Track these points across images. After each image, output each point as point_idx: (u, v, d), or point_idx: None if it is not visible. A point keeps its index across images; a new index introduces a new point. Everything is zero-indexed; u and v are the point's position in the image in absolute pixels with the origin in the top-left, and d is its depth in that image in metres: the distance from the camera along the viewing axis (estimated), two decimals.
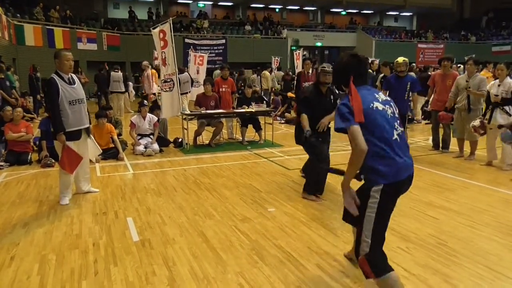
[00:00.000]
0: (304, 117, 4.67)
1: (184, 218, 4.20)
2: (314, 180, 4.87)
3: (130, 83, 14.15)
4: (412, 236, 3.72)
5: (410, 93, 6.97)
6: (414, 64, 15.06)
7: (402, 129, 2.47)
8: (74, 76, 4.69)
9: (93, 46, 20.03)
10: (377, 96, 2.47)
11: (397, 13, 34.36)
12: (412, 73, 9.83)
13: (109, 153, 6.80)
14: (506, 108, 5.91)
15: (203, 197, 4.91)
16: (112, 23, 23.65)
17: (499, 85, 6.03)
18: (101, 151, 6.51)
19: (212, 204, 4.65)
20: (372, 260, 2.33)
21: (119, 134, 7.50)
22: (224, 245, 3.56)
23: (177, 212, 4.40)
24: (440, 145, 7.46)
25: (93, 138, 5.30)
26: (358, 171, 2.37)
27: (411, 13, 34.77)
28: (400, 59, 6.92)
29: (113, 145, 6.90)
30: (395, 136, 2.38)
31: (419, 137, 9.06)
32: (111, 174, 5.99)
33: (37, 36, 17.17)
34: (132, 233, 3.83)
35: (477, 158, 6.69)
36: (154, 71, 13.15)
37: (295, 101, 5.13)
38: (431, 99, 7.75)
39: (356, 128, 2.28)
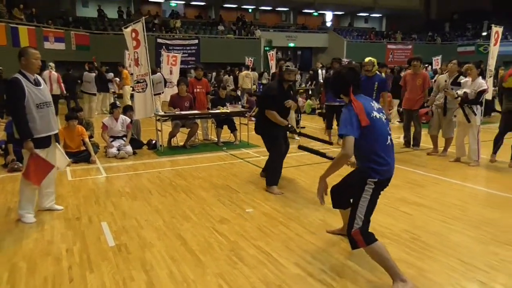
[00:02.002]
0: (275, 113, 4.96)
1: (161, 221, 4.14)
2: (279, 171, 5.18)
3: (115, 79, 13.75)
4: (387, 232, 3.80)
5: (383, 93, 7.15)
6: (398, 66, 15.28)
7: (391, 132, 2.91)
8: (39, 77, 4.20)
9: (61, 46, 19.42)
10: (372, 104, 2.87)
11: (367, 14, 35.05)
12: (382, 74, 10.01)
13: (81, 156, 6.62)
14: (474, 107, 6.12)
15: (180, 199, 4.85)
16: (81, 22, 23.05)
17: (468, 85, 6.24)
18: (70, 160, 6.29)
19: (189, 206, 4.60)
20: (364, 231, 2.78)
21: (91, 137, 7.31)
22: (202, 247, 3.53)
23: (154, 215, 4.33)
24: (411, 142, 7.67)
25: (60, 146, 4.70)
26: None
27: (380, 15, 35.56)
28: (367, 59, 7.13)
29: (85, 148, 6.72)
30: (389, 141, 2.86)
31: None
32: (83, 177, 5.84)
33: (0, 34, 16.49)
34: (107, 238, 3.74)
35: (448, 155, 6.91)
36: (126, 71, 12.91)
37: (259, 97, 5.27)
38: (404, 99, 7.94)
39: (351, 139, 2.69)
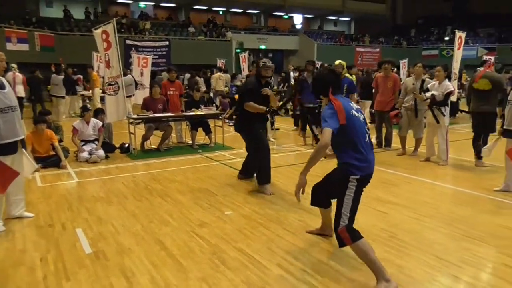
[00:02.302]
0: (253, 103, 5.06)
1: (139, 226, 4.06)
2: (268, 167, 5.19)
3: (79, 76, 13.36)
4: (365, 231, 3.81)
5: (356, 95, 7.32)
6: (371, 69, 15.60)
7: (369, 132, 3.05)
8: (3, 79, 3.96)
9: (25, 47, 18.70)
10: (351, 104, 3.02)
11: (336, 18, 35.71)
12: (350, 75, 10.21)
13: (50, 161, 6.39)
14: (442, 109, 6.35)
15: (157, 203, 4.77)
16: (45, 22, 22.28)
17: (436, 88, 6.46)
18: (38, 166, 6.09)
19: (167, 210, 4.53)
20: (349, 229, 2.87)
21: (60, 141, 7.08)
22: (183, 252, 3.48)
23: (131, 220, 4.23)
24: (383, 143, 7.87)
25: (27, 152, 4.53)
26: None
27: (349, 18, 36.29)
28: (337, 62, 7.35)
29: (54, 153, 6.50)
30: (367, 139, 3.00)
31: None
32: (54, 183, 5.64)
33: None
34: (83, 245, 3.63)
35: (418, 155, 7.13)
36: (95, 73, 12.59)
37: (238, 93, 5.34)
38: (375, 101, 8.13)
39: (330, 131, 2.78)
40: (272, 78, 5.91)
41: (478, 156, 6.35)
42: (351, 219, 2.88)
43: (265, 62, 5.18)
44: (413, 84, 6.97)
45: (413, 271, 3.13)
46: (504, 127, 4.83)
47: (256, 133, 5.23)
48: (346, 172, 2.92)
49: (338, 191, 2.96)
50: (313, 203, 3.58)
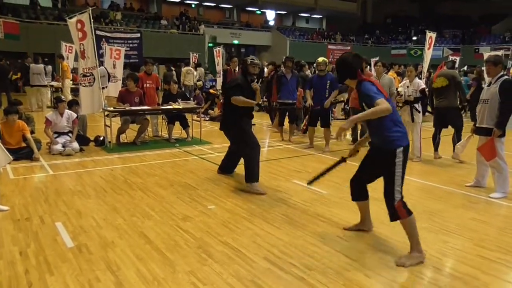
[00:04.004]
0: (242, 97, 4.97)
1: (121, 220, 3.99)
2: (257, 165, 5.01)
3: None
4: (347, 225, 3.97)
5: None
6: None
7: None
8: None
9: None
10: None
11: (308, 15, 36.06)
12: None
13: (22, 153, 6.16)
14: (416, 105, 6.58)
15: (137, 197, 4.70)
16: (10, 9, 21.31)
17: (408, 86, 6.68)
18: (12, 158, 5.85)
19: (149, 204, 4.47)
20: (405, 203, 3.09)
21: (32, 132, 6.81)
22: (168, 245, 3.46)
23: (112, 214, 4.16)
24: (358, 139, 8.04)
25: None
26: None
27: (321, 16, 36.75)
28: (320, 59, 7.44)
29: (26, 145, 6.27)
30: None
31: None
32: (27, 176, 5.45)
33: None
34: (64, 238, 3.54)
35: None
36: (66, 64, 12.18)
37: (225, 89, 5.32)
38: (350, 98, 8.30)
39: (384, 99, 3.02)
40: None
41: (436, 148, 6.88)
42: (402, 193, 3.09)
43: (253, 59, 5.15)
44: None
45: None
46: (476, 125, 5.05)
47: (246, 129, 5.15)
48: (392, 146, 3.09)
49: (383, 170, 3.16)
50: (354, 197, 3.69)
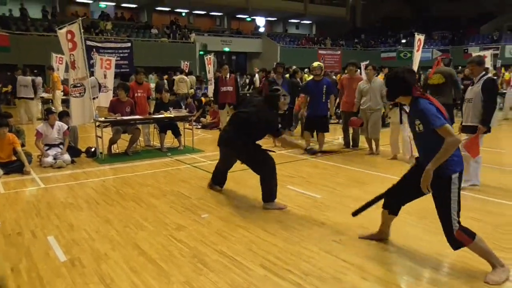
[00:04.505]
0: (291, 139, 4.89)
1: (114, 232, 3.94)
2: (276, 182, 4.63)
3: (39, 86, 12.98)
4: (342, 229, 3.96)
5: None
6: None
7: None
8: None
9: None
10: None
11: (298, 21, 36.27)
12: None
13: (13, 167, 6.09)
14: (405, 107, 6.61)
15: (130, 208, 4.65)
16: (0, 21, 21.22)
17: None
18: (2, 172, 5.83)
19: (142, 214, 4.43)
20: (465, 229, 2.93)
21: (22, 145, 6.73)
22: (163, 256, 3.42)
23: (104, 225, 4.11)
24: (351, 143, 8.07)
25: None
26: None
27: (310, 22, 36.98)
28: (315, 64, 7.43)
29: (16, 158, 6.20)
30: None
31: (330, 136, 9.66)
32: (18, 189, 5.38)
33: None
34: (57, 252, 3.48)
35: (385, 154, 7.33)
36: (56, 75, 12.11)
37: (268, 124, 4.63)
38: (341, 102, 8.32)
39: (448, 125, 2.83)
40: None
41: None
42: (459, 220, 2.92)
43: (285, 96, 4.75)
44: (367, 86, 7.22)
45: (394, 265, 3.23)
46: (463, 124, 5.15)
47: (257, 146, 4.72)
48: (447, 171, 2.89)
49: (436, 194, 2.98)
50: (385, 206, 3.48)
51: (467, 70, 5.19)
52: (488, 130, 4.92)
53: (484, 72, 5.00)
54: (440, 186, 2.95)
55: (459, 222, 2.92)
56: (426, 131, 2.94)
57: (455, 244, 2.96)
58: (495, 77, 14.97)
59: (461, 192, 3.01)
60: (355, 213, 3.71)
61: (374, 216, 4.24)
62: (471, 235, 2.93)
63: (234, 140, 4.70)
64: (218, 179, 5.28)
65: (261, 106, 4.71)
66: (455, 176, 2.90)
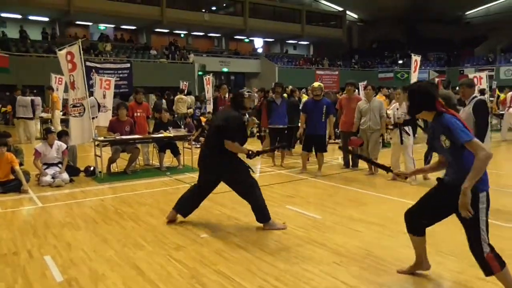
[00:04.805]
0: (237, 145, 4.44)
1: (112, 251, 3.90)
2: (264, 203, 4.54)
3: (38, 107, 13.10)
4: (342, 250, 3.93)
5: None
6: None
7: None
8: None
9: None
10: None
11: (296, 41, 36.84)
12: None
13: (10, 186, 6.08)
14: (406, 128, 6.65)
15: (129, 227, 4.62)
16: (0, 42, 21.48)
17: (397, 109, 6.78)
18: None
19: (140, 234, 4.39)
20: (497, 255, 2.72)
21: (21, 164, 6.73)
22: (161, 276, 3.38)
23: (102, 245, 4.07)
24: (350, 163, 8.08)
25: None
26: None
27: (308, 42, 37.56)
28: (316, 84, 7.54)
29: (14, 177, 6.19)
30: None
31: (329, 156, 9.67)
32: (16, 209, 5.35)
33: None
34: (53, 273, 3.44)
35: (384, 175, 7.30)
36: (56, 95, 12.19)
37: (217, 126, 4.49)
38: (340, 122, 8.36)
39: (478, 140, 2.67)
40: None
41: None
42: (489, 240, 2.75)
43: (250, 92, 4.73)
44: (366, 106, 7.30)
45: (392, 286, 3.20)
46: None
47: (242, 169, 4.58)
48: (474, 189, 2.66)
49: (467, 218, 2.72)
50: (410, 230, 3.24)
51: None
52: None
53: (474, 94, 5.13)
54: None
55: (489, 245, 2.74)
56: (453, 147, 2.80)
57: (486, 268, 2.74)
58: (491, 98, 15.21)
59: None
60: (357, 156, 3.72)
61: (370, 239, 4.23)
62: (502, 263, 2.73)
63: (211, 162, 4.54)
64: (185, 205, 4.73)
65: (225, 108, 4.69)
66: (482, 195, 2.74)
